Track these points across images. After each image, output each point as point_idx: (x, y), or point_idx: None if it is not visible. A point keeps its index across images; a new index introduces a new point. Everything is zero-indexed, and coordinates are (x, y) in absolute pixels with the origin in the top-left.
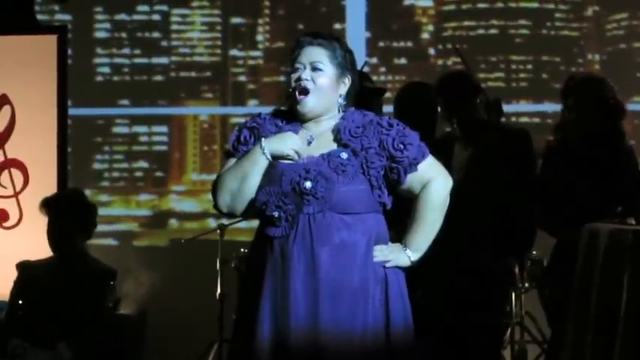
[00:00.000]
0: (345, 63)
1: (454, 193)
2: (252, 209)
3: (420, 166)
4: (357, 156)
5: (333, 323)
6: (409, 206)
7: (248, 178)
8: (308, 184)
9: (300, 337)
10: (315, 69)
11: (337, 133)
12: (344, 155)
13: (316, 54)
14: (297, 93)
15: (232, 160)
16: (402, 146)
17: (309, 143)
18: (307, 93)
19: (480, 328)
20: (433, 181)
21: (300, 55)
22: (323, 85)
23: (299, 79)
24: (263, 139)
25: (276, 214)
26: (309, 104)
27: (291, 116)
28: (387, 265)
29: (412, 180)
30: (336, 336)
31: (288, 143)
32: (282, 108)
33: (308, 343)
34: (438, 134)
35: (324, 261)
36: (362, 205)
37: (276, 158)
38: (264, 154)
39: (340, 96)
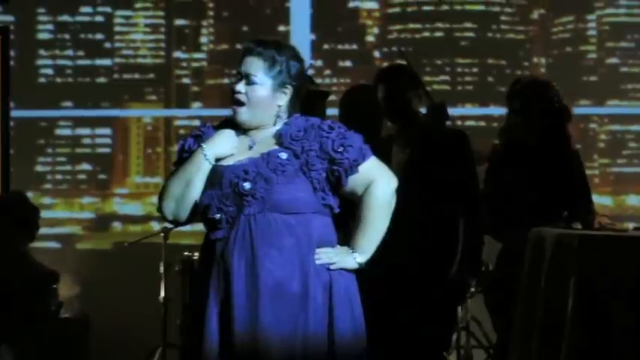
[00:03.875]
0: (286, 73)
1: None
2: (197, 214)
3: (360, 168)
4: (298, 158)
5: (273, 327)
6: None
7: (191, 183)
8: (247, 185)
9: (242, 341)
10: (250, 82)
11: (279, 138)
12: (283, 155)
13: (253, 66)
14: (232, 103)
15: None
16: (342, 148)
17: (250, 148)
18: (242, 104)
19: (425, 333)
20: (375, 182)
21: (241, 64)
22: (256, 98)
23: (234, 91)
24: (203, 144)
25: (217, 216)
26: (243, 116)
27: (236, 124)
28: (332, 267)
29: (354, 182)
30: (276, 341)
31: (230, 142)
32: (229, 118)
33: (250, 348)
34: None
35: (264, 263)
36: (304, 206)
37: (218, 160)
38: (207, 159)
39: (279, 107)
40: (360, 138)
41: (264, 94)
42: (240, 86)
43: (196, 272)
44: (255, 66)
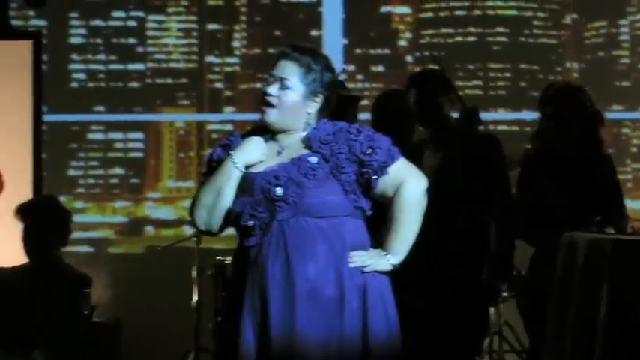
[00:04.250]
0: (319, 81)
1: None
2: (229, 222)
3: (390, 169)
4: (328, 162)
5: (309, 332)
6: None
7: (222, 192)
8: (278, 191)
9: (279, 346)
10: (283, 86)
11: (308, 142)
12: (313, 160)
13: (288, 70)
14: (262, 104)
15: None
16: (370, 150)
17: (279, 153)
18: (272, 106)
19: (457, 338)
20: (405, 184)
21: (276, 66)
22: (287, 102)
23: (266, 92)
24: (232, 152)
25: (250, 223)
26: (272, 118)
27: (264, 130)
28: (366, 269)
29: (384, 184)
30: (313, 345)
31: (258, 149)
32: (256, 125)
33: (287, 353)
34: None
35: (299, 268)
36: (336, 209)
37: (248, 167)
38: (236, 167)
39: (309, 114)
40: (388, 140)
41: (296, 99)
42: (273, 89)
43: (229, 277)
44: (290, 70)
